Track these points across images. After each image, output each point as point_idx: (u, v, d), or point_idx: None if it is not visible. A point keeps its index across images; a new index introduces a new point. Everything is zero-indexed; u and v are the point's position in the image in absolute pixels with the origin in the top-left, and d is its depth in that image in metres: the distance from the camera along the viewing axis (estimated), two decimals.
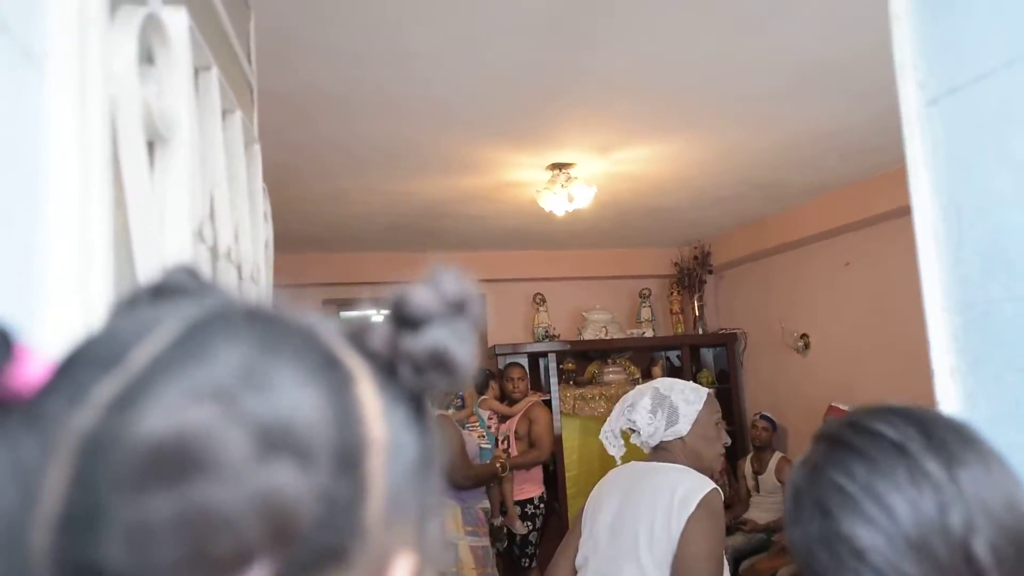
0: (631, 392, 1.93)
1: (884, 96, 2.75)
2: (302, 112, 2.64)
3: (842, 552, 0.56)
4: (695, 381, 5.12)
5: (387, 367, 0.32)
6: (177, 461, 0.25)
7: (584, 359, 5.35)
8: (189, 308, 0.31)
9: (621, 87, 2.58)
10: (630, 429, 1.87)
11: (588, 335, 5.19)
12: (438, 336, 0.32)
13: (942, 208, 0.86)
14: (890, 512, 0.54)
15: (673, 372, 5.32)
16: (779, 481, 4.41)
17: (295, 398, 0.28)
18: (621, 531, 1.70)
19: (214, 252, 0.97)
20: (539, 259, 5.41)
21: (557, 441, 4.72)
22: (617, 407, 1.92)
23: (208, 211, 0.95)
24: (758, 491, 4.54)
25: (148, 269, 0.70)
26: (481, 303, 0.35)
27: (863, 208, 3.98)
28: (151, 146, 0.77)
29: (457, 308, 0.33)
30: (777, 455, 4.53)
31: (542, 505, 4.31)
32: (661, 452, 1.83)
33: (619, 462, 1.92)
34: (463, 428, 3.92)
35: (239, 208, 1.16)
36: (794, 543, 0.61)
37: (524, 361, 5.23)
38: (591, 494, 1.89)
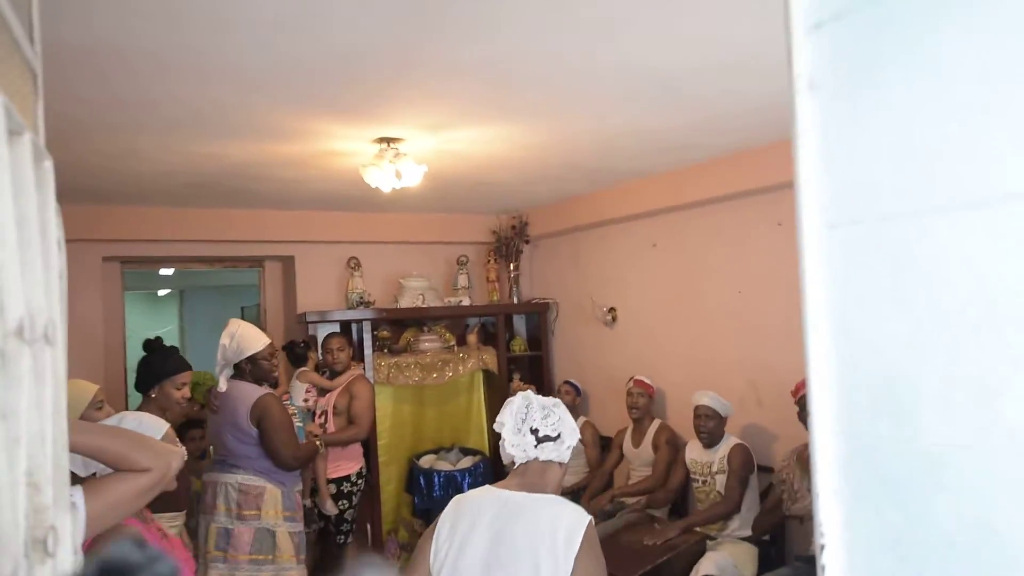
0: (529, 394, 1.80)
1: (704, 106, 2.91)
2: (97, 69, 2.22)
3: None
4: (508, 348, 5.28)
5: None
6: None
7: (399, 326, 5.25)
8: None
9: (462, 72, 2.46)
10: (499, 434, 1.76)
11: (405, 302, 5.08)
12: None
13: (834, 335, 0.86)
14: None
15: (488, 340, 5.39)
16: (582, 444, 4.63)
17: None
18: None
19: (2, 351, 0.75)
20: (355, 221, 5.16)
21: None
22: (518, 410, 1.76)
23: None
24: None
25: None
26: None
27: (672, 195, 4.21)
28: None
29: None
30: (581, 419, 4.74)
31: (360, 481, 4.20)
32: (527, 474, 1.74)
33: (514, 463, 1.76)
34: None
35: (29, 259, 0.92)
36: None
37: (336, 328, 5.01)
38: (440, 523, 1.74)
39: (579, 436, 1.82)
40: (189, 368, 2.97)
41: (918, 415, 0.78)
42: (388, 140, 3.21)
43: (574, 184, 4.49)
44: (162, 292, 9.10)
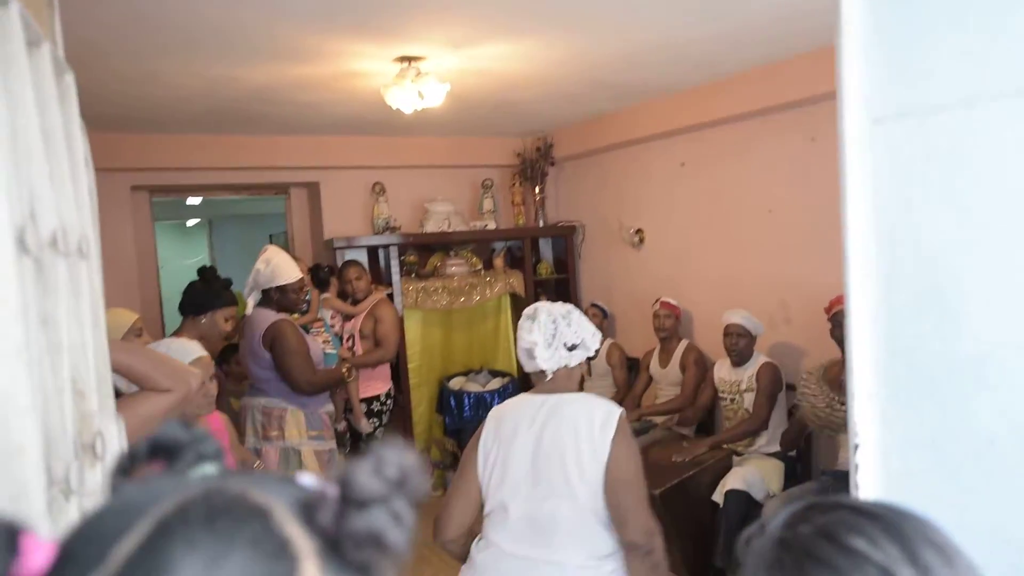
0: (547, 309, 1.84)
1: (735, 14, 2.79)
2: None
3: None
4: (535, 272, 5.29)
5: (333, 543, 0.36)
6: None
7: (426, 251, 5.26)
8: (162, 500, 0.35)
9: None
10: (527, 352, 1.81)
11: (430, 227, 5.07)
12: (375, 519, 0.36)
13: (878, 236, 0.84)
14: None
15: (514, 263, 5.40)
16: (609, 365, 4.68)
17: None
18: (547, 470, 1.69)
19: (38, 259, 0.76)
20: (378, 145, 5.11)
21: (401, 337, 4.68)
22: (546, 328, 1.80)
23: (28, 210, 0.74)
24: (590, 375, 4.82)
25: None
26: (420, 476, 0.39)
27: (702, 112, 4.10)
28: None
29: (398, 486, 0.37)
30: (608, 341, 4.77)
31: (389, 401, 4.32)
32: (556, 380, 1.82)
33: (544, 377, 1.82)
34: (307, 333, 3.75)
35: (58, 174, 0.92)
36: None
37: (364, 254, 5.05)
38: (484, 433, 1.80)
39: (599, 337, 1.88)
40: (237, 302, 3.05)
41: (964, 314, 0.76)
42: (409, 59, 3.13)
43: (600, 102, 4.38)
44: (191, 222, 9.19)
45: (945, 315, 0.81)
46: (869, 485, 0.90)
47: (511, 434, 1.76)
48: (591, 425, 1.69)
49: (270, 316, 3.37)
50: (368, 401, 4.18)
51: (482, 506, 1.81)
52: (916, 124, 0.79)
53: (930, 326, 0.82)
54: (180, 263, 8.46)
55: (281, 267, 3.40)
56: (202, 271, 3.15)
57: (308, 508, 0.37)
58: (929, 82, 0.79)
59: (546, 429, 1.73)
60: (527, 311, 1.86)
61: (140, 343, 2.64)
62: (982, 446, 0.80)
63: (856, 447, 0.91)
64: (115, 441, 1.09)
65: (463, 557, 1.82)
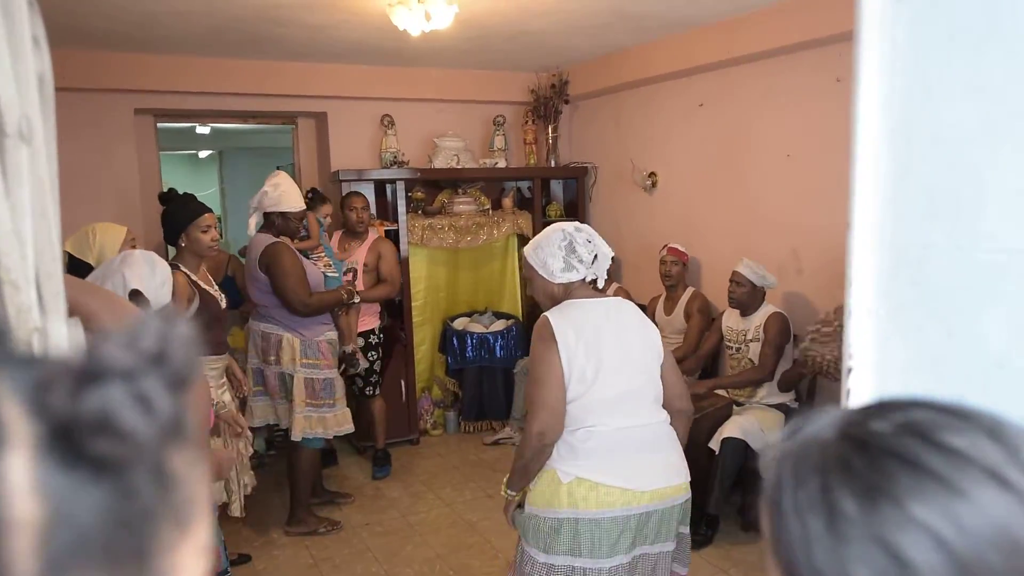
0: (579, 228, 2.07)
1: None
2: None
3: None
4: (544, 213, 5.18)
5: (65, 431, 0.28)
6: None
7: (434, 187, 5.16)
8: None
9: None
10: (579, 260, 2.02)
11: (439, 163, 4.95)
12: (108, 397, 0.29)
13: (889, 129, 0.74)
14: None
15: (523, 204, 5.29)
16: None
17: None
18: (631, 356, 2.02)
19: None
20: (388, 76, 4.96)
21: (404, 273, 4.63)
22: (593, 236, 2.07)
23: None
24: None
25: None
26: (187, 353, 0.31)
27: (723, 49, 3.92)
28: None
29: (152, 362, 0.30)
30: (614, 286, 4.69)
31: (380, 335, 4.31)
32: (592, 287, 2.08)
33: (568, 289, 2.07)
34: (307, 258, 3.71)
35: None
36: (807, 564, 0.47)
37: (370, 188, 4.95)
38: (562, 338, 1.95)
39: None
40: (209, 210, 2.96)
41: (981, 217, 0.67)
42: None
43: (618, 35, 4.20)
44: (203, 154, 9.10)
45: (960, 219, 0.71)
46: None
47: (595, 334, 1.98)
48: (643, 323, 2.11)
49: (266, 240, 3.42)
50: (364, 335, 4.17)
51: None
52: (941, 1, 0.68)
53: (942, 233, 0.72)
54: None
55: (288, 194, 3.47)
56: (162, 197, 3.10)
57: (42, 387, 0.29)
58: None
59: (619, 326, 2.03)
60: (580, 230, 2.06)
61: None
62: (991, 368, 0.70)
63: (850, 370, 0.83)
64: (62, 343, 1.03)
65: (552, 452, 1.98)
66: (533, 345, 2.02)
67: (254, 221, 3.47)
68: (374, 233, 4.36)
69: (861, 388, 0.77)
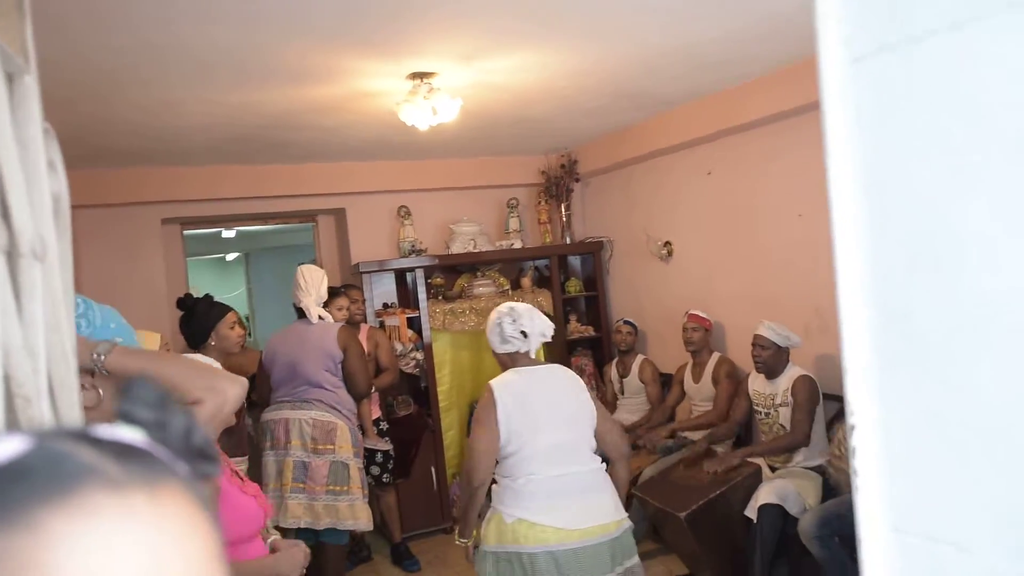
0: (517, 306, 2.46)
1: (749, 10, 2.70)
2: (122, 15, 2.21)
3: None
4: (563, 290, 5.21)
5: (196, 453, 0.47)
6: None
7: (453, 273, 5.23)
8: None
9: None
10: (512, 336, 2.40)
11: (456, 248, 5.04)
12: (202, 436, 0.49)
13: (863, 188, 0.75)
14: None
15: (542, 282, 5.33)
16: (642, 382, 4.58)
17: None
18: (564, 413, 2.35)
19: None
20: (402, 170, 5.12)
21: (428, 358, 4.63)
22: (520, 316, 2.42)
23: None
24: (623, 393, 4.71)
25: None
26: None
27: (727, 117, 4.00)
28: None
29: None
30: (640, 358, 4.69)
31: (384, 424, 4.29)
32: (527, 356, 2.44)
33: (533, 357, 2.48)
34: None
35: (7, 173, 0.88)
36: None
37: (391, 278, 5.04)
38: (501, 401, 2.31)
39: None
40: (232, 309, 3.05)
41: (960, 266, 0.67)
42: (421, 75, 3.12)
43: (621, 114, 4.31)
44: (230, 257, 9.35)
45: (940, 270, 0.71)
46: (870, 470, 0.80)
47: (531, 396, 2.33)
48: (575, 384, 2.45)
49: (333, 322, 3.65)
50: (376, 423, 4.16)
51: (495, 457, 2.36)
52: (899, 58, 0.71)
53: (923, 286, 0.73)
54: (221, 296, 8.61)
55: (325, 286, 3.75)
56: (180, 304, 3.17)
57: (186, 432, 0.47)
58: (911, 7, 0.71)
59: (553, 388, 2.39)
60: (516, 309, 2.45)
61: None
62: (987, 419, 0.69)
63: (852, 428, 0.82)
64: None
65: (483, 497, 2.34)
66: (477, 407, 2.39)
67: (316, 308, 3.61)
68: (366, 324, 4.41)
69: (866, 447, 0.76)
